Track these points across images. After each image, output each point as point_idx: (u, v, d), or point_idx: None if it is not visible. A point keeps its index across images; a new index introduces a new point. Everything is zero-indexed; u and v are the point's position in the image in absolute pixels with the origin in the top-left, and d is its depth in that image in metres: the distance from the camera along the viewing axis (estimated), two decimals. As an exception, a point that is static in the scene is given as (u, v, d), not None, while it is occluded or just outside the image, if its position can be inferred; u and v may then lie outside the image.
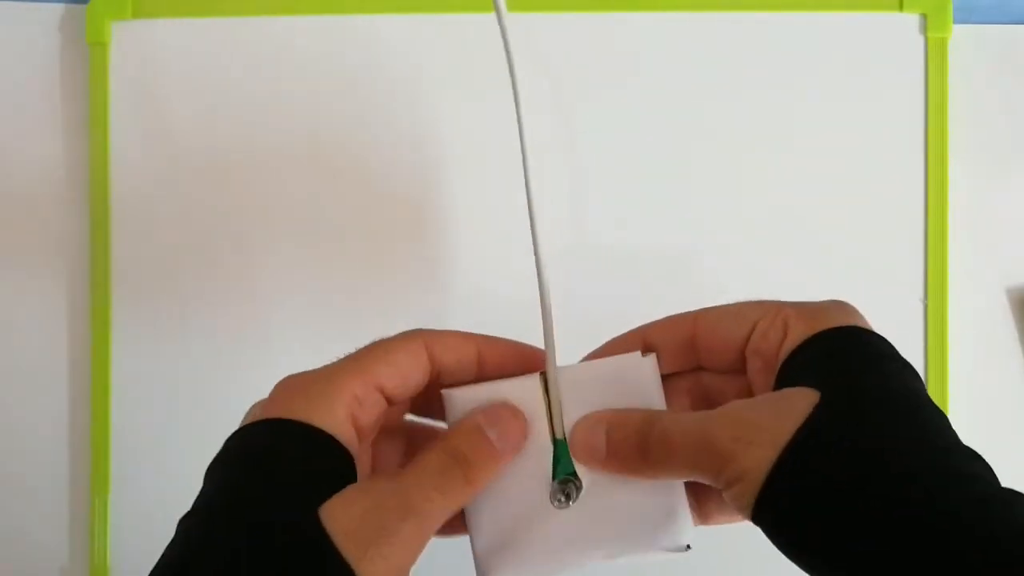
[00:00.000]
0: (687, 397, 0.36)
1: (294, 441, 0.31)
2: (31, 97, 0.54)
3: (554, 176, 0.53)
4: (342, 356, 0.33)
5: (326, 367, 0.33)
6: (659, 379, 0.34)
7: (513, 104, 0.34)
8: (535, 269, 0.34)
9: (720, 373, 0.35)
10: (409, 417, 0.37)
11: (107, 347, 0.53)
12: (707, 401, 0.36)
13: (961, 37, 0.53)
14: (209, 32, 0.53)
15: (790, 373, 0.32)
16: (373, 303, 0.53)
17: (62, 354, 0.53)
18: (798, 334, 0.32)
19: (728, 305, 0.35)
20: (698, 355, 0.35)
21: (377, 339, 0.34)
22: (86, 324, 0.53)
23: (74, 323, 0.53)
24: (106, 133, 0.53)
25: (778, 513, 0.29)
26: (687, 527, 0.33)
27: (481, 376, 0.35)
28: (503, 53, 0.33)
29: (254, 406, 0.33)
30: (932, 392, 0.52)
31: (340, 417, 0.31)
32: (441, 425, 0.35)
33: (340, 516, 0.29)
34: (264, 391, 0.32)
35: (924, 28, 0.53)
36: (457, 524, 0.34)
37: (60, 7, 0.54)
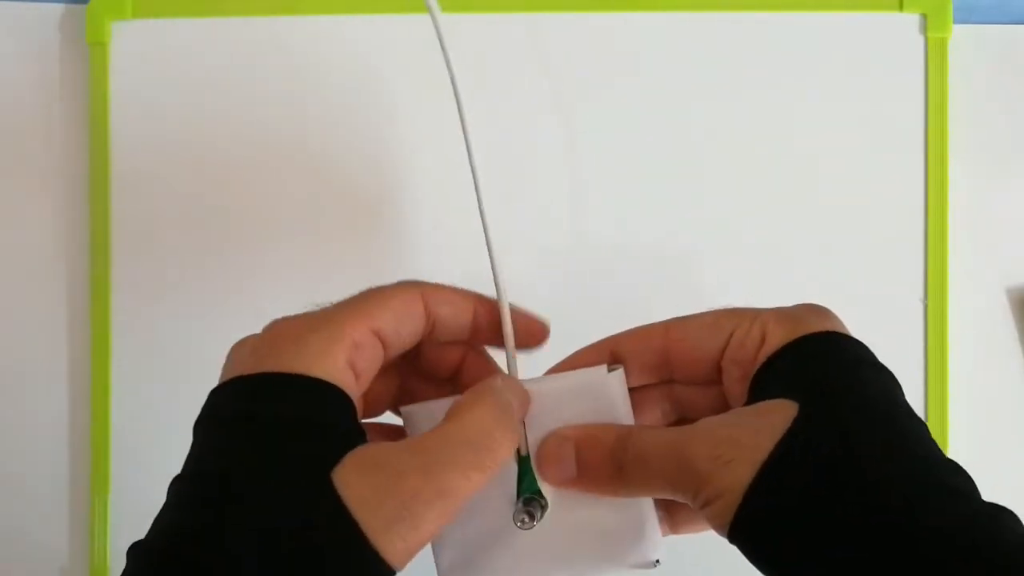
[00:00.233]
0: (658, 409, 0.35)
1: (291, 397, 0.29)
2: (31, 97, 0.54)
3: (554, 176, 0.53)
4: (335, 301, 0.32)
5: (322, 311, 0.31)
6: (627, 394, 0.33)
7: (456, 104, 0.33)
8: (492, 278, 0.33)
9: (693, 385, 0.34)
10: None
11: (107, 347, 0.53)
12: (680, 412, 0.35)
13: (961, 37, 0.53)
14: (209, 32, 0.53)
15: (766, 382, 0.31)
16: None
17: (62, 354, 0.53)
18: (776, 340, 0.31)
19: (701, 315, 0.34)
20: (670, 368, 0.34)
21: (372, 286, 0.33)
22: (86, 324, 0.53)
23: (74, 323, 0.53)
24: (106, 133, 0.53)
25: (755, 531, 0.28)
26: (656, 542, 0.33)
27: (474, 337, 0.34)
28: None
29: (239, 347, 0.31)
30: (932, 392, 0.52)
31: (340, 364, 0.30)
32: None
33: (355, 483, 0.27)
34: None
35: (924, 28, 0.53)
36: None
37: (60, 7, 0.54)
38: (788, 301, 0.34)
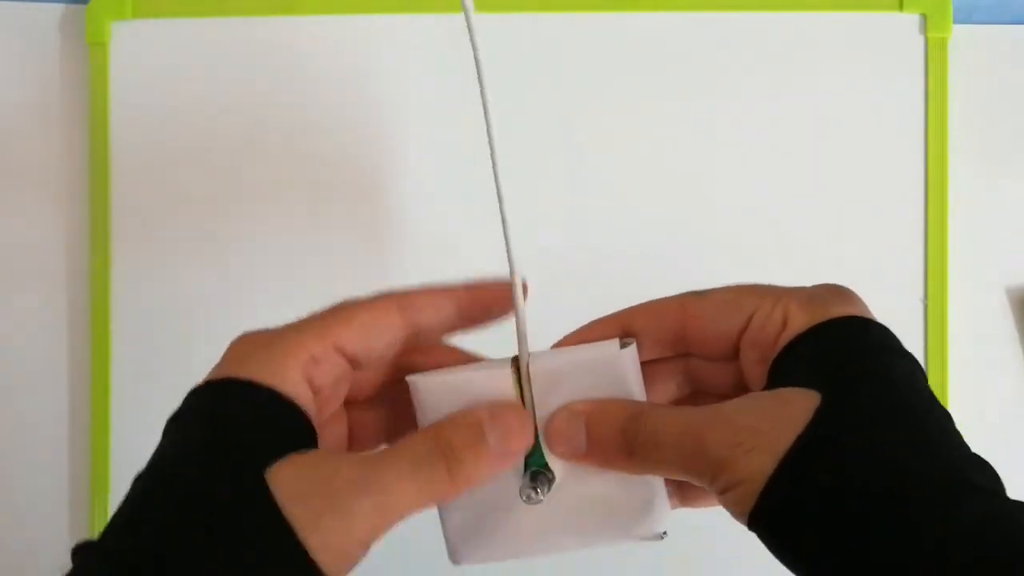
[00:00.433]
0: (672, 382, 0.35)
1: (243, 402, 0.29)
2: (31, 97, 0.54)
3: (554, 177, 0.53)
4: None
5: (284, 325, 0.31)
6: (639, 370, 0.33)
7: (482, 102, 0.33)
8: (507, 261, 0.32)
9: (710, 360, 0.34)
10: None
11: (107, 347, 0.53)
12: (695, 387, 0.35)
13: (961, 37, 0.53)
14: (209, 32, 0.53)
15: (788, 367, 0.30)
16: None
17: (62, 354, 0.53)
18: (799, 325, 0.31)
19: (720, 291, 0.33)
20: (686, 343, 0.33)
21: (346, 299, 0.32)
22: (86, 324, 0.53)
23: (74, 323, 0.53)
24: (106, 133, 0.53)
25: (776, 521, 0.28)
26: (664, 514, 0.32)
27: (466, 326, 0.33)
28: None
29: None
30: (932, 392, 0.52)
31: (293, 377, 0.30)
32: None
33: (288, 479, 0.27)
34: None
35: (924, 28, 0.53)
36: None
37: (60, 7, 0.54)
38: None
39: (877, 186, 0.53)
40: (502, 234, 0.32)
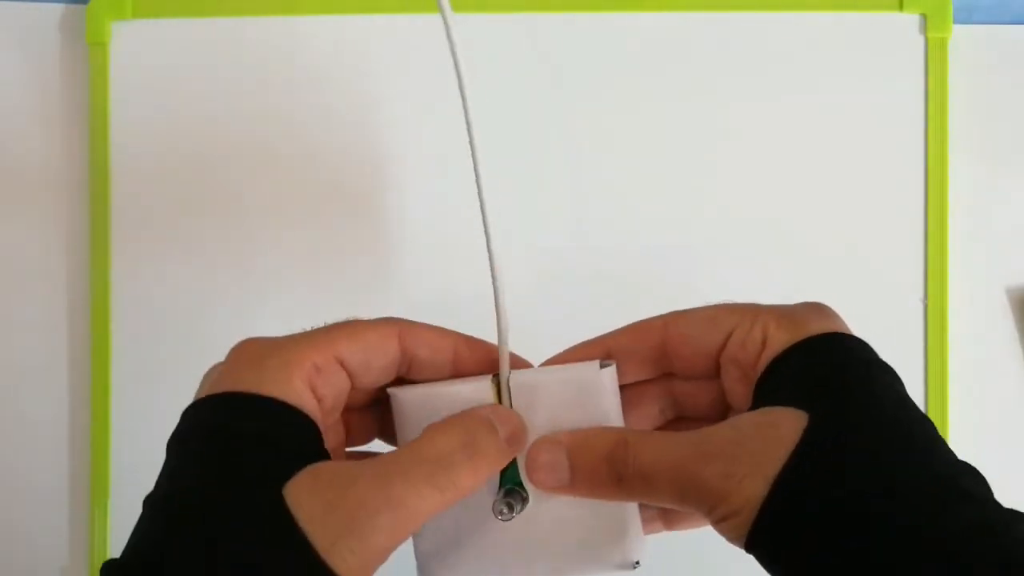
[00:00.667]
0: (656, 406, 0.35)
1: (250, 416, 0.29)
2: (31, 97, 0.54)
3: (553, 177, 0.53)
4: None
5: (289, 336, 0.32)
6: (617, 391, 0.33)
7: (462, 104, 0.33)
8: (489, 269, 0.32)
9: (692, 379, 0.34)
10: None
11: (107, 347, 0.53)
12: (678, 410, 0.35)
13: (961, 37, 0.53)
14: (209, 32, 0.53)
15: (772, 387, 0.31)
16: (390, 310, 0.53)
17: (62, 354, 0.53)
18: (779, 343, 0.31)
19: (700, 310, 0.33)
20: (669, 362, 0.34)
21: (354, 318, 0.33)
22: (86, 324, 0.53)
23: (74, 323, 0.53)
24: (106, 133, 0.53)
25: (772, 543, 0.28)
26: (638, 543, 0.32)
27: (456, 375, 0.34)
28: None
29: (211, 370, 0.32)
30: (932, 392, 0.52)
31: (297, 386, 0.30)
32: None
33: (305, 498, 0.27)
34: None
35: (924, 28, 0.53)
36: None
37: (60, 7, 0.54)
38: (789, 301, 0.34)
39: (877, 186, 0.53)
40: (485, 244, 0.32)
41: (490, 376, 0.33)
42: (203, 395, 0.30)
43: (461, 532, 0.33)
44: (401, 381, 0.34)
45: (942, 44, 0.53)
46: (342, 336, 0.32)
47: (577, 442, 0.31)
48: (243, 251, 0.53)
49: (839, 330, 0.31)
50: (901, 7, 0.53)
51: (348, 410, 0.34)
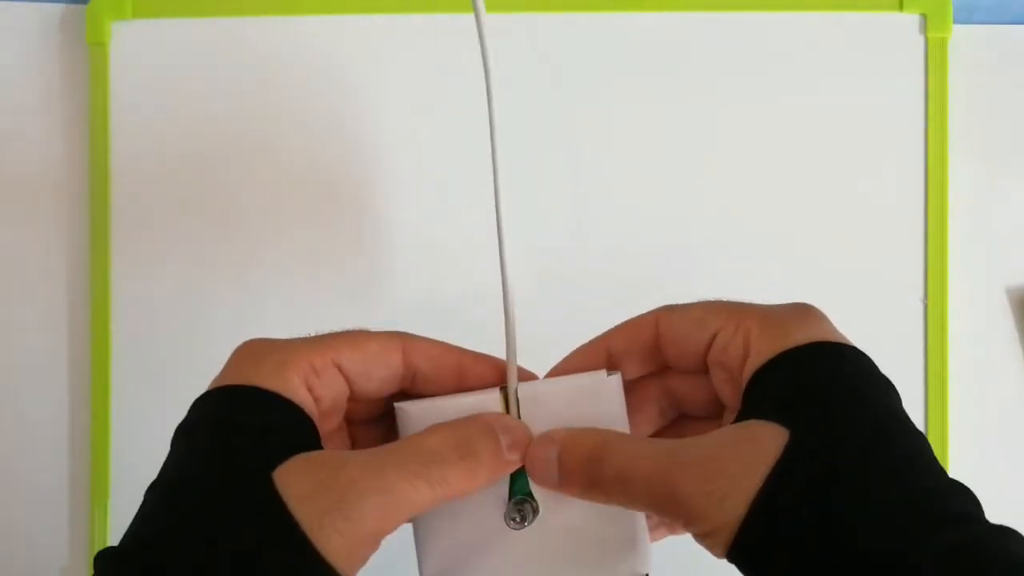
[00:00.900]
0: (655, 407, 0.35)
1: (249, 407, 0.30)
2: (31, 97, 0.54)
3: (554, 177, 0.53)
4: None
5: (289, 338, 0.32)
6: (623, 399, 0.33)
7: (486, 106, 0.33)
8: (500, 281, 0.33)
9: (688, 374, 0.34)
10: None
11: (107, 347, 0.53)
12: (677, 408, 0.35)
13: (961, 37, 0.53)
14: (209, 32, 0.53)
15: (757, 397, 0.30)
16: (388, 310, 0.53)
17: (62, 354, 0.53)
18: (761, 353, 0.30)
19: (688, 308, 0.33)
20: (664, 357, 0.34)
21: (360, 327, 0.33)
22: (86, 324, 0.53)
23: (74, 323, 0.53)
24: (106, 133, 0.53)
25: (750, 560, 0.28)
26: (647, 555, 0.33)
27: (460, 391, 0.34)
28: (490, 54, 0.32)
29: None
30: (932, 392, 0.52)
31: (293, 382, 0.31)
32: None
33: (295, 480, 0.28)
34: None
35: (924, 28, 0.53)
36: None
37: (60, 7, 0.54)
38: (789, 302, 0.33)
39: (877, 186, 0.53)
40: (497, 243, 0.32)
41: (499, 388, 0.33)
42: (209, 388, 0.32)
43: (469, 547, 0.33)
44: (407, 396, 0.34)
45: (942, 44, 0.53)
46: (343, 343, 0.32)
47: (566, 440, 0.32)
48: (243, 251, 0.53)
49: (826, 337, 0.31)
50: (901, 7, 0.53)
51: (354, 423, 0.35)
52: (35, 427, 0.53)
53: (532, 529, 0.32)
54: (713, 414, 0.35)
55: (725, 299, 0.33)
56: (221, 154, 0.53)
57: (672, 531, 0.35)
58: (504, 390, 0.33)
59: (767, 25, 0.53)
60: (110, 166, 0.53)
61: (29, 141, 0.54)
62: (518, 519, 0.32)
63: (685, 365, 0.34)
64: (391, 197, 0.53)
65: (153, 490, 0.30)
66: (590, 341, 0.35)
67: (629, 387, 0.34)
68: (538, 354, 0.35)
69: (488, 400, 0.33)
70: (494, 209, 0.33)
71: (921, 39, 0.53)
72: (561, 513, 0.33)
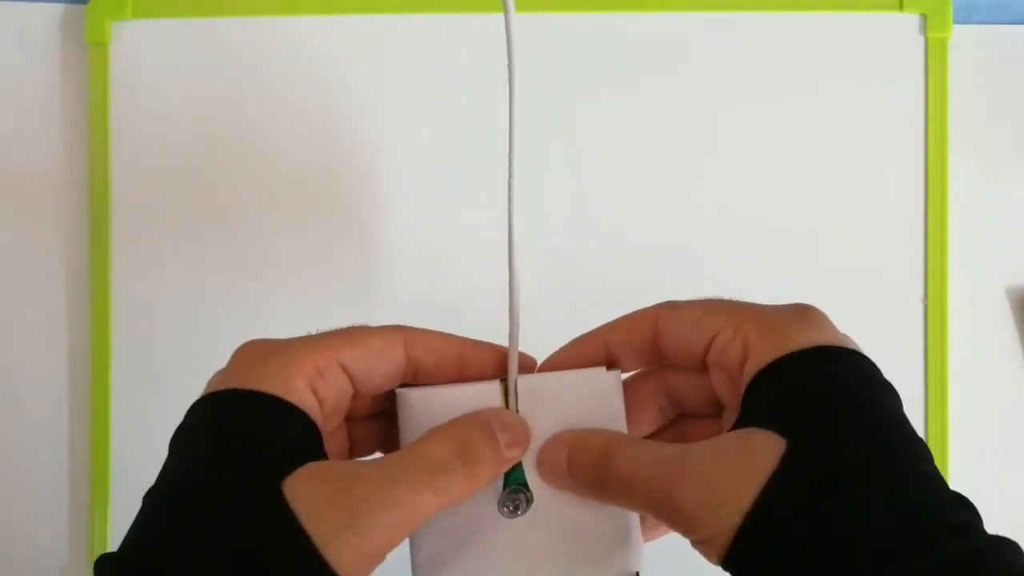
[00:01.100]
0: (655, 406, 0.35)
1: (252, 412, 0.30)
2: (31, 97, 0.54)
3: (554, 177, 0.53)
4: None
5: (292, 338, 0.32)
6: (621, 395, 0.34)
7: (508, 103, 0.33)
8: (507, 274, 0.33)
9: (687, 372, 0.34)
10: None
11: (107, 347, 0.53)
12: (676, 407, 0.35)
13: (961, 37, 0.53)
14: (209, 32, 0.53)
15: (755, 402, 0.30)
16: (387, 310, 0.53)
17: (62, 354, 0.53)
18: (760, 356, 0.30)
19: (688, 307, 0.33)
20: (663, 353, 0.34)
21: (360, 324, 0.33)
22: (86, 324, 0.53)
23: (74, 323, 0.53)
24: (106, 133, 0.53)
25: (747, 570, 0.28)
26: (639, 552, 0.33)
27: (463, 380, 0.34)
28: (508, 53, 0.32)
29: (215, 374, 0.32)
30: (932, 392, 0.52)
31: (297, 385, 0.30)
32: None
33: (304, 491, 0.28)
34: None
35: (924, 28, 0.53)
36: None
37: (60, 7, 0.54)
38: (788, 302, 0.33)
39: (877, 186, 0.53)
40: (507, 241, 0.32)
41: (499, 380, 0.33)
42: (207, 392, 0.31)
43: (462, 538, 0.33)
44: (406, 387, 0.34)
45: (942, 44, 0.53)
46: (346, 341, 0.32)
47: (575, 441, 0.32)
48: (243, 251, 0.53)
49: (827, 341, 0.30)
50: (901, 7, 0.53)
51: (351, 420, 0.34)
52: (35, 427, 0.53)
53: (525, 520, 0.32)
54: (713, 413, 0.34)
55: (726, 298, 0.33)
56: (221, 154, 0.53)
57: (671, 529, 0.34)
58: (504, 382, 0.33)
59: (767, 25, 0.53)
60: (110, 166, 0.53)
61: (29, 141, 0.54)
62: (511, 508, 0.32)
63: (684, 363, 0.34)
64: (391, 197, 0.53)
65: (151, 495, 0.29)
66: (589, 333, 0.35)
67: (628, 385, 0.35)
68: (538, 353, 0.35)
69: (488, 391, 0.33)
70: (506, 197, 0.33)
71: (921, 39, 0.53)
72: (555, 506, 0.33)
